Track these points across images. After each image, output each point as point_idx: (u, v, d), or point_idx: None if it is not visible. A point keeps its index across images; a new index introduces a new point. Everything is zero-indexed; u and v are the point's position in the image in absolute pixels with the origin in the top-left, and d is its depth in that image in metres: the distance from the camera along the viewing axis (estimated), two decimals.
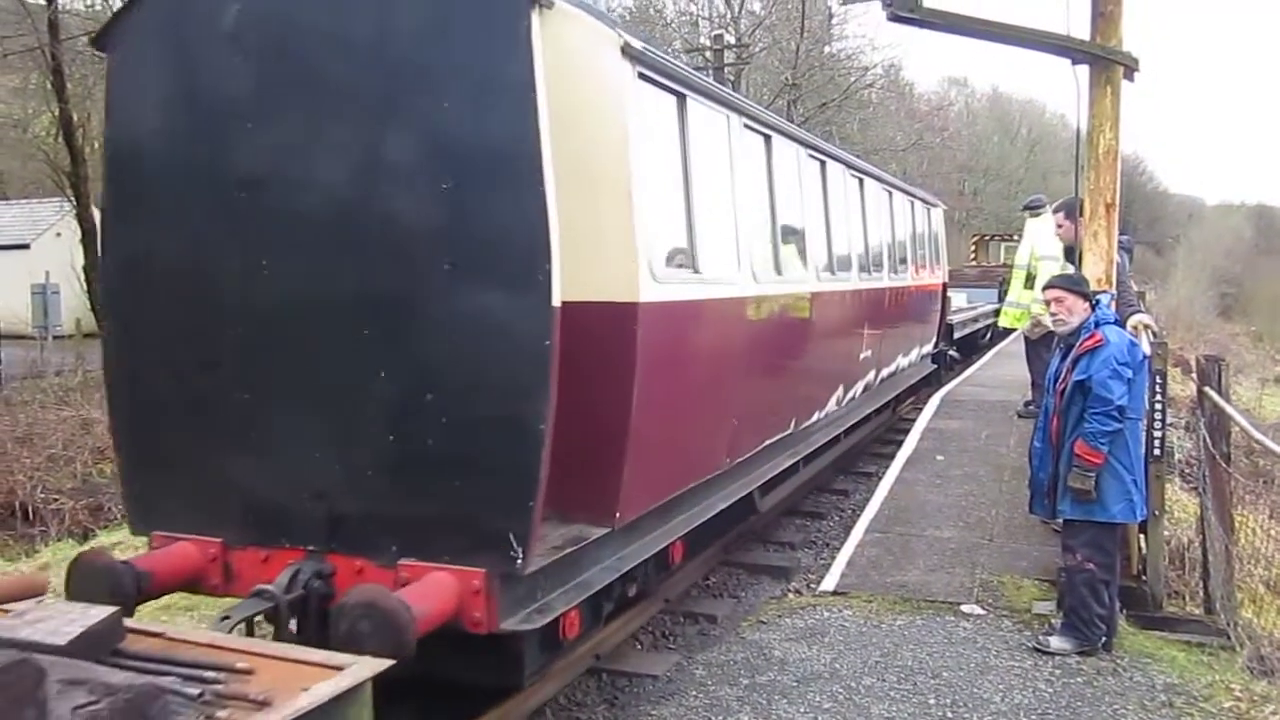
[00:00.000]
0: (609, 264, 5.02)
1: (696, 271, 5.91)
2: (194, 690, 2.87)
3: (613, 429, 5.02)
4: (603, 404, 5.01)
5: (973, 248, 33.34)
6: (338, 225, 4.55)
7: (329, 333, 4.60)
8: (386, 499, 4.57)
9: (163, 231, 4.93)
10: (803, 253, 8.32)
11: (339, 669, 3.03)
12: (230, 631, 4.16)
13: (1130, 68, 6.66)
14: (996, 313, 20.58)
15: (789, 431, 8.14)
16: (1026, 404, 11.36)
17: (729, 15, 34.35)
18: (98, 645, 3.03)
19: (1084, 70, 6.70)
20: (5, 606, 3.51)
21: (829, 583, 6.87)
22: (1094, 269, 6.67)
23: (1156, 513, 6.43)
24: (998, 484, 9.16)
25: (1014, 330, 12.16)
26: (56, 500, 12.27)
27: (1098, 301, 5.82)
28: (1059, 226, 8.48)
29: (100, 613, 3.13)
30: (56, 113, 22.00)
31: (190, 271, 4.86)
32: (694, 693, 5.26)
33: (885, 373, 11.76)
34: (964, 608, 6.35)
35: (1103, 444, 5.43)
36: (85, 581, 4.51)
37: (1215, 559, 6.83)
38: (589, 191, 4.95)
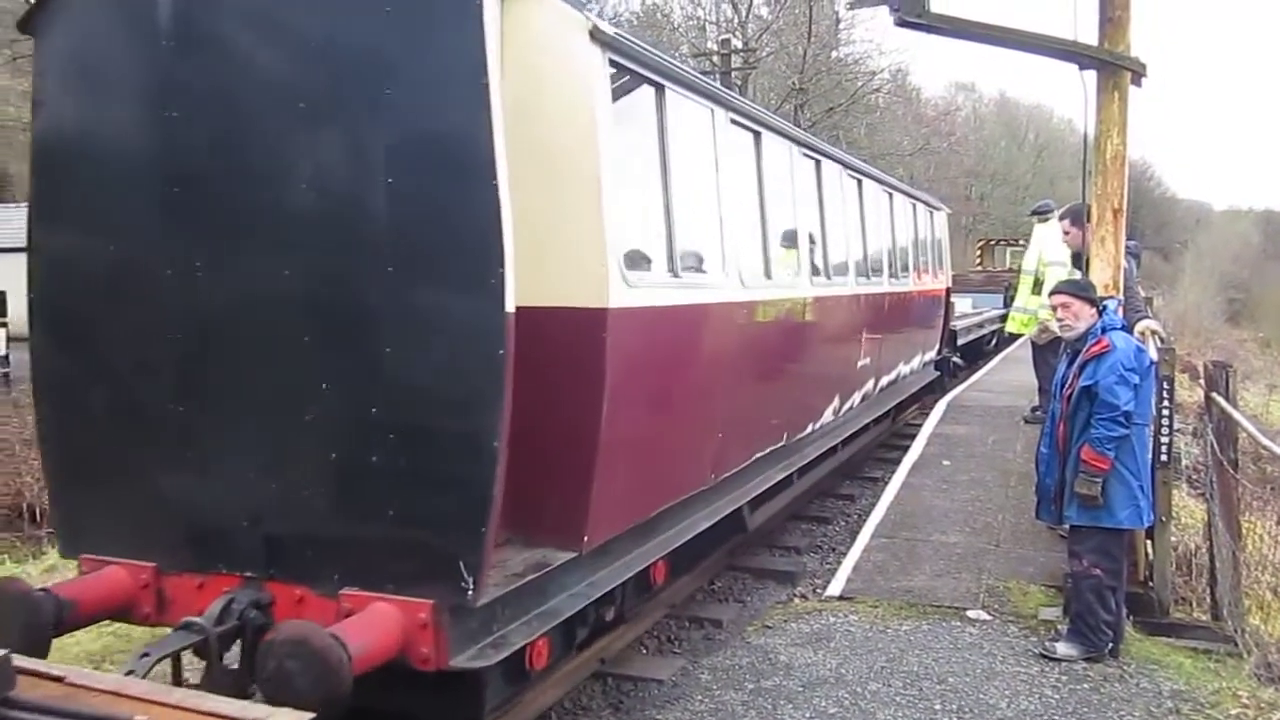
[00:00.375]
0: (576, 266, 4.70)
1: (676, 275, 5.57)
2: None
3: (580, 446, 4.70)
4: (569, 419, 4.70)
5: (978, 252, 33.35)
6: (276, 224, 4.20)
7: (268, 340, 4.24)
8: (328, 522, 4.21)
9: (94, 230, 4.55)
10: (796, 256, 7.98)
11: None
12: (148, 671, 3.82)
13: (1138, 73, 6.66)
14: (1002, 318, 20.56)
15: (781, 443, 7.80)
16: (1033, 409, 11.35)
17: (736, 20, 34.44)
18: None
19: (1091, 75, 6.69)
20: None
21: (835, 588, 6.86)
22: (1101, 274, 6.66)
23: (1163, 519, 6.42)
24: (1004, 489, 9.15)
25: (1021, 335, 12.13)
26: None
27: (1105, 307, 5.81)
28: (1065, 233, 8.46)
29: None
30: None
31: (123, 274, 4.48)
32: (699, 697, 5.26)
33: (885, 381, 11.38)
34: (970, 613, 6.34)
35: (1109, 450, 5.42)
36: None
37: (1222, 565, 6.81)
38: (555, 188, 4.66)
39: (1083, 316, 5.73)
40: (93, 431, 4.62)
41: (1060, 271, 9.71)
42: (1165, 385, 6.44)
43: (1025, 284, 11.16)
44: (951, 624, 6.18)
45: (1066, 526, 5.95)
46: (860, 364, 10.02)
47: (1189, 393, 14.84)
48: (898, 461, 10.62)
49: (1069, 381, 5.70)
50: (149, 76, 4.38)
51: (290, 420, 4.20)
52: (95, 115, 4.55)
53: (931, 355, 14.59)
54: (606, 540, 5.07)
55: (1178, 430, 7.97)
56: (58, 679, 2.80)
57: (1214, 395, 7.19)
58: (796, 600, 6.91)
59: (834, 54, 35.23)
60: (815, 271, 8.41)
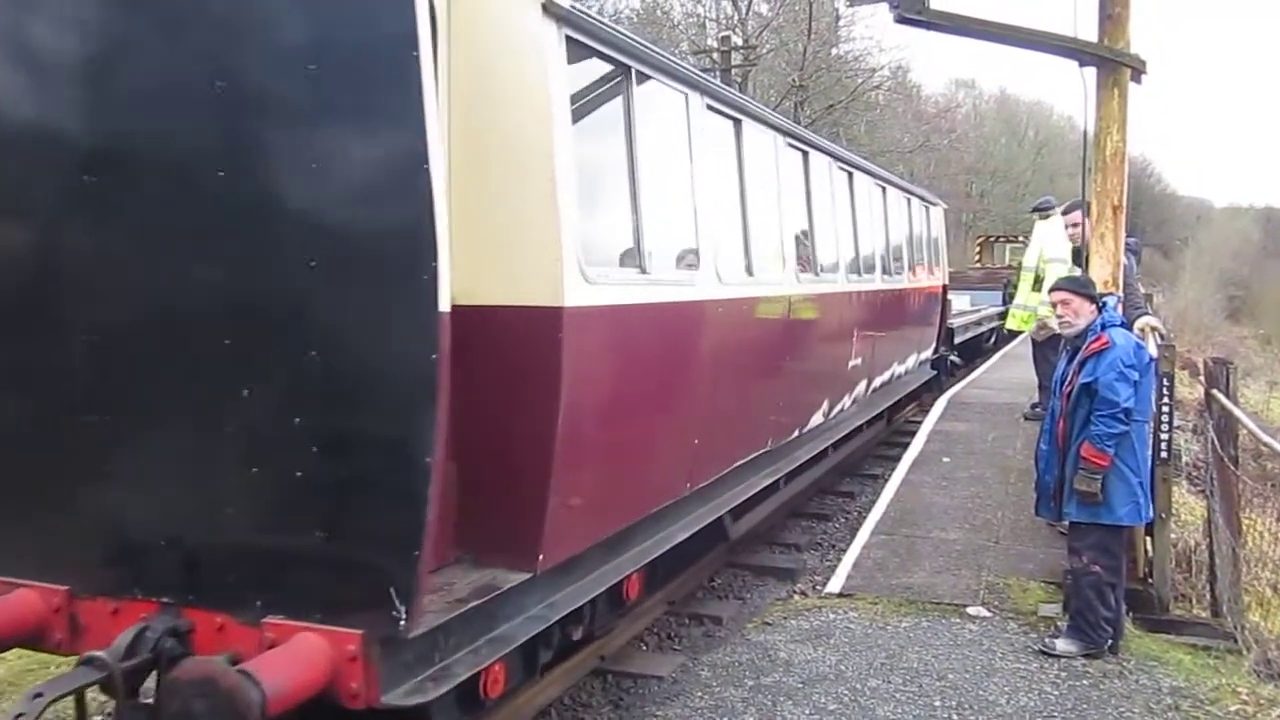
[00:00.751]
0: (529, 262, 4.33)
1: (644, 272, 5.21)
2: None
3: (534, 458, 4.33)
4: (522, 429, 4.35)
5: (978, 249, 33.28)
6: (193, 215, 3.79)
7: (186, 343, 3.83)
8: (250, 543, 3.82)
9: None
10: (780, 252, 7.56)
11: None
12: (40, 714, 3.51)
13: (1138, 70, 6.66)
14: (1001, 316, 20.51)
15: (766, 449, 7.44)
16: (1033, 406, 11.36)
17: (736, 17, 34.44)
18: None
19: (1091, 72, 6.69)
20: None
21: (835, 584, 6.87)
22: (1101, 271, 6.66)
23: (1163, 515, 6.42)
24: (1004, 486, 9.16)
25: (1021, 333, 12.13)
26: None
27: (1104, 304, 5.81)
28: (1074, 226, 8.44)
29: None
30: None
31: (31, 270, 4.07)
32: (699, 694, 5.26)
33: (879, 381, 10.99)
34: (970, 610, 6.35)
35: (1109, 446, 5.43)
36: None
37: (1222, 562, 6.82)
38: (505, 176, 4.31)
39: (1082, 313, 5.74)
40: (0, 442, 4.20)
41: (1060, 268, 9.73)
42: (1165, 382, 6.44)
43: (1026, 281, 11.17)
44: (951, 621, 6.19)
45: (1066, 523, 5.96)
46: (852, 364, 9.65)
47: (1189, 390, 14.84)
48: (898, 458, 10.63)
49: (1069, 378, 5.71)
50: (57, 45, 3.93)
51: (209, 431, 3.81)
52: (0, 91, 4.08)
53: (928, 354, 14.30)
54: (567, 559, 4.73)
55: (1178, 427, 7.98)
56: None
57: (1214, 392, 7.19)
58: (796, 597, 6.92)
59: (834, 51, 35.23)
60: (802, 268, 8.08)
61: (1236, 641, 6.09)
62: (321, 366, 3.63)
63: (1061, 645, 5.66)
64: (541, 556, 4.43)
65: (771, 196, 7.53)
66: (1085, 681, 5.36)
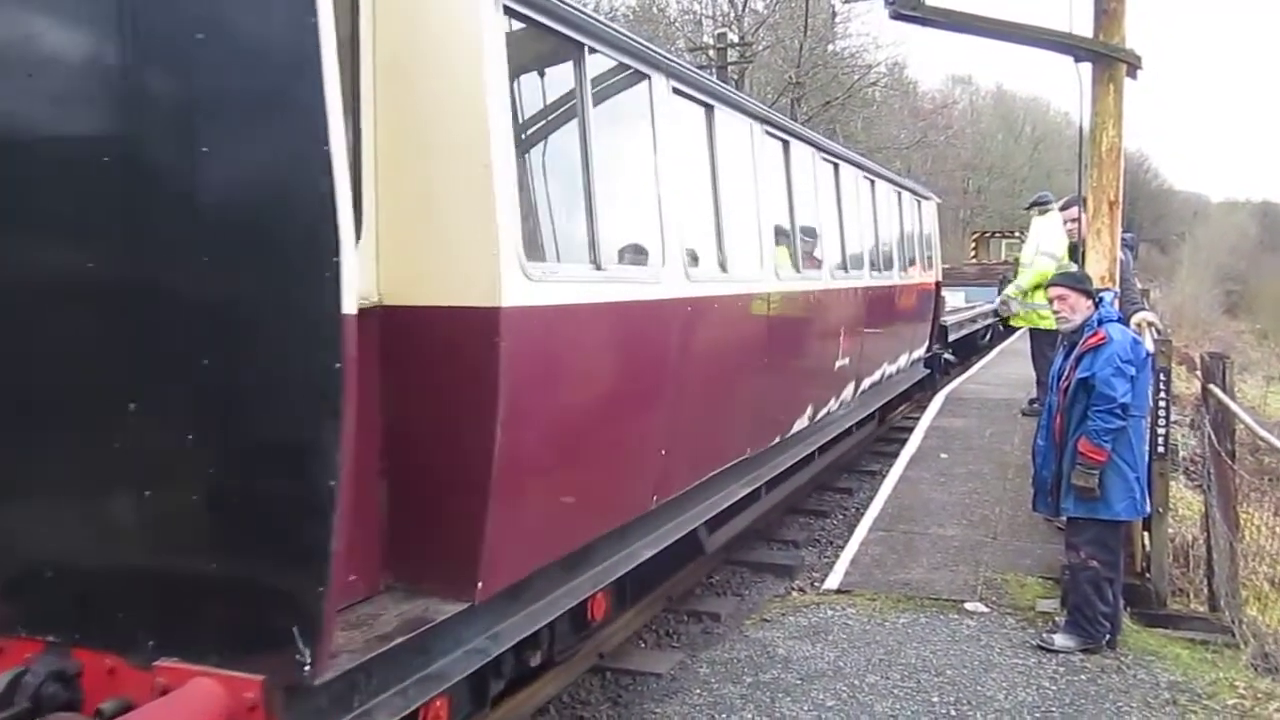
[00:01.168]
0: (461, 257, 3.90)
1: (598, 268, 4.78)
2: None
3: (470, 476, 3.92)
4: (457, 443, 3.94)
5: (973, 245, 33.24)
6: (71, 205, 3.39)
7: (71, 350, 3.41)
8: (142, 576, 3.40)
9: None
10: (758, 247, 7.11)
11: None
12: None
13: (1133, 65, 6.67)
14: (996, 312, 20.43)
15: (744, 456, 6.98)
16: (1031, 402, 11.36)
17: (732, 14, 34.38)
18: None
19: (1087, 68, 6.70)
20: None
21: (833, 581, 6.88)
22: (1097, 267, 6.67)
23: (1160, 510, 6.43)
24: (1002, 482, 9.16)
25: (1019, 329, 12.13)
26: None
27: (1101, 299, 5.82)
28: (1071, 221, 8.43)
29: None
30: None
31: None
32: (697, 691, 5.27)
33: (868, 382, 10.54)
34: (968, 605, 6.35)
35: (1106, 441, 5.43)
36: None
37: (1219, 556, 6.83)
38: (436, 162, 3.90)
39: (1079, 309, 5.74)
40: None
41: (1048, 262, 9.81)
42: (1162, 377, 6.45)
43: (1023, 276, 11.17)
44: (949, 616, 6.19)
45: (1064, 518, 5.97)
46: (839, 365, 9.21)
47: (1186, 384, 14.86)
48: (895, 455, 10.63)
49: (1066, 374, 5.71)
50: None
51: (97, 449, 3.38)
52: None
53: (921, 352, 13.91)
54: (513, 584, 4.31)
55: (1175, 422, 8.00)
56: None
57: (1211, 387, 7.20)
58: (794, 594, 6.93)
59: (830, 48, 35.21)
60: (782, 263, 7.61)
61: (1234, 636, 6.10)
62: (216, 377, 3.24)
63: (1059, 640, 5.67)
64: (480, 584, 3.98)
65: (748, 188, 7.11)
66: (1083, 676, 5.36)
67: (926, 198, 14.79)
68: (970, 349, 19.80)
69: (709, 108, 6.44)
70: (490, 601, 4.13)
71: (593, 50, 4.84)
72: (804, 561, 8.17)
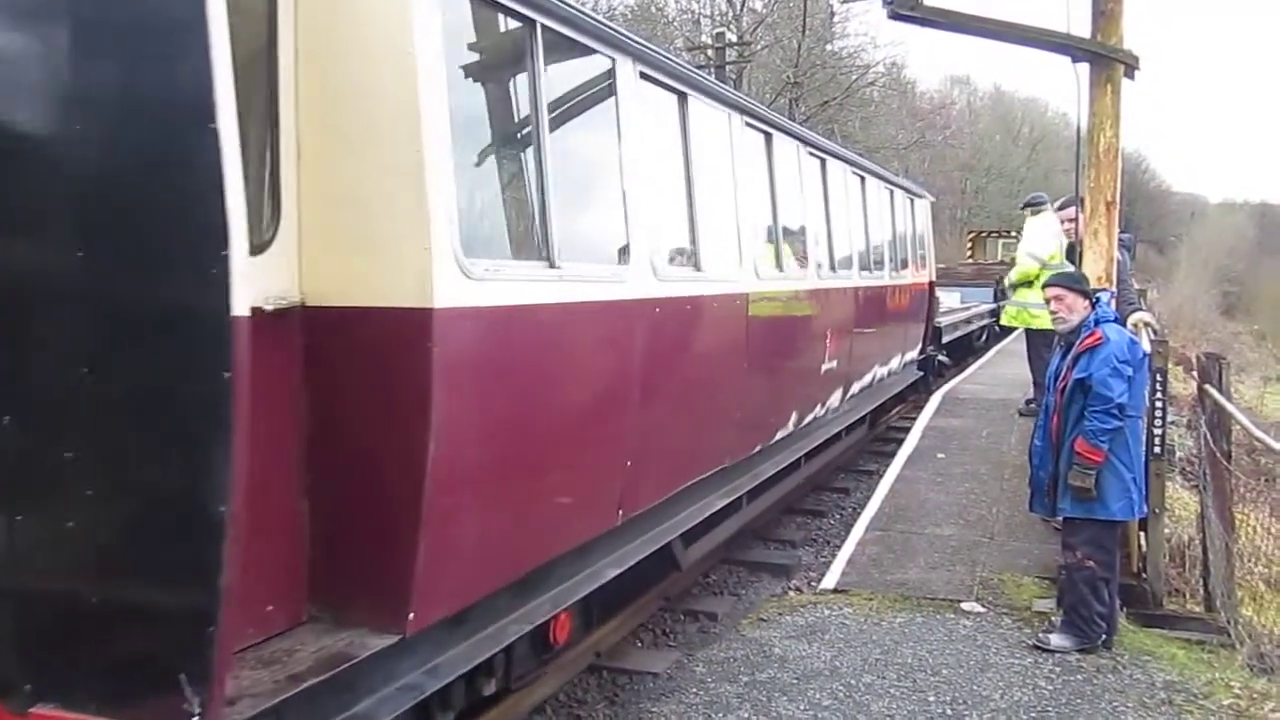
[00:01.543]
0: (390, 253, 3.56)
1: (551, 265, 4.39)
2: None
3: (401, 494, 3.54)
4: (386, 459, 3.56)
5: (969, 244, 33.14)
6: None
7: None
8: (16, 612, 3.02)
9: None
10: (736, 245, 6.75)
11: None
12: None
13: (1131, 65, 6.68)
14: (992, 313, 20.37)
15: (722, 466, 6.61)
16: (1028, 402, 11.37)
17: (730, 13, 34.39)
18: None
19: (1084, 68, 6.71)
20: None
21: (829, 580, 6.88)
22: (1094, 267, 6.68)
23: (1157, 510, 6.44)
24: (998, 482, 9.17)
25: (1015, 329, 12.13)
26: None
27: (1098, 299, 5.82)
28: (1069, 222, 8.44)
29: None
30: None
31: None
32: (694, 690, 5.27)
33: (858, 386, 10.24)
34: (964, 605, 6.36)
35: (1103, 442, 5.43)
36: None
37: (1216, 557, 6.83)
38: (364, 145, 3.56)
39: (1076, 309, 5.74)
40: None
41: (1029, 260, 9.88)
42: (1158, 377, 6.46)
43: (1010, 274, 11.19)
44: (946, 616, 6.20)
45: (1060, 519, 5.97)
46: (826, 368, 8.84)
47: (1183, 385, 14.86)
48: (893, 455, 10.64)
49: (1062, 374, 5.72)
50: None
51: None
52: None
53: (913, 354, 13.68)
54: (452, 614, 3.92)
55: (1171, 422, 8.00)
56: None
57: (1208, 387, 7.21)
58: (791, 593, 6.93)
59: (828, 47, 35.22)
60: (764, 263, 7.25)
61: (1230, 636, 6.11)
62: (94, 388, 2.87)
63: (1056, 640, 5.67)
64: (412, 615, 3.58)
65: (726, 182, 6.74)
66: (1079, 676, 5.37)
67: (919, 196, 14.61)
68: (966, 351, 19.61)
69: (682, 95, 6.08)
70: (427, 631, 3.74)
71: (546, 29, 4.44)
72: (801, 561, 8.18)
